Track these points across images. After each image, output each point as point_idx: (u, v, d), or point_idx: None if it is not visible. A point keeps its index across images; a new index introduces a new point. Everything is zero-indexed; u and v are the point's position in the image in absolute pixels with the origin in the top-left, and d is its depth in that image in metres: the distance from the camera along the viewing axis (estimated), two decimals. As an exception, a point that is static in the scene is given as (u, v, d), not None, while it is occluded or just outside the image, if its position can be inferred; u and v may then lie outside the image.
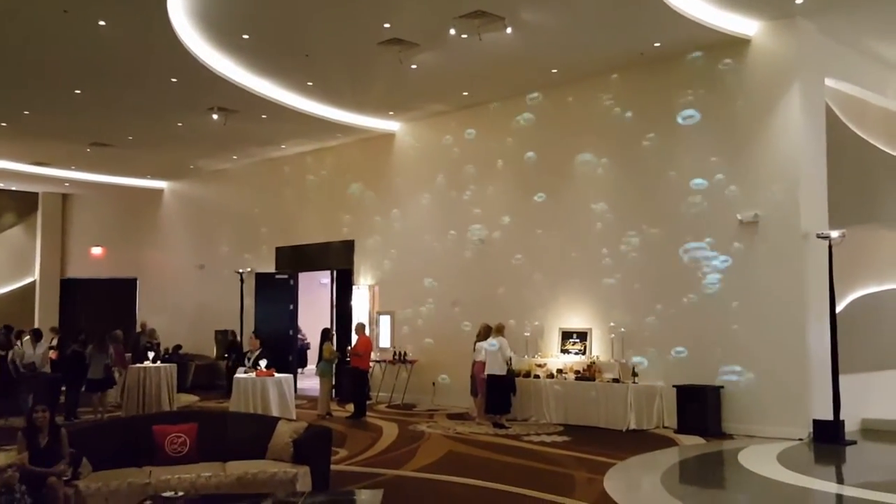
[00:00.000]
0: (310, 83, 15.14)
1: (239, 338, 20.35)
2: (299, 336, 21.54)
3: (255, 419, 9.28)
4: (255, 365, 12.91)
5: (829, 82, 13.31)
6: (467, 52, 13.16)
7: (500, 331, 13.90)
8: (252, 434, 8.13)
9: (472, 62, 13.85)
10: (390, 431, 13.12)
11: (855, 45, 13.57)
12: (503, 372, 13.59)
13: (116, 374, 15.79)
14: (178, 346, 20.67)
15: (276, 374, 12.76)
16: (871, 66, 14.20)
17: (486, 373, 13.70)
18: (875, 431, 12.70)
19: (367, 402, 15.59)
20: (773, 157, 12.68)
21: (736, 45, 12.92)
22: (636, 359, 13.60)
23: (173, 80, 14.56)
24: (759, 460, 10.49)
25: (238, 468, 7.55)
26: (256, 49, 13.38)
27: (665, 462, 10.72)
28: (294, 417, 11.80)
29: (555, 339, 15.00)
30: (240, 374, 12.88)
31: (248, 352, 13.90)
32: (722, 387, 12.78)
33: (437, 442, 12.15)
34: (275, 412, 11.88)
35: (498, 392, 13.55)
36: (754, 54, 12.93)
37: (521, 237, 15.76)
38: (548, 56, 13.70)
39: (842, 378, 11.94)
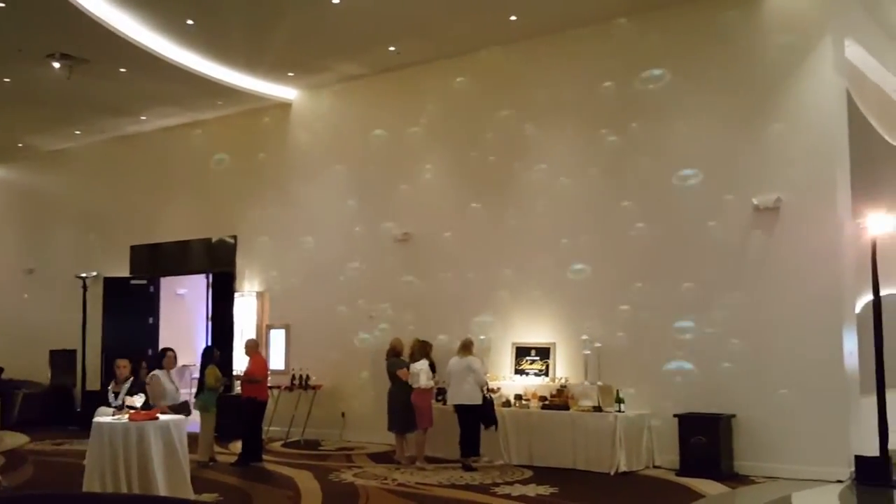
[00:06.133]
0: (190, 21, 11.47)
1: (81, 360, 16.17)
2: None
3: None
4: (125, 403, 8.23)
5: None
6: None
7: (468, 348, 10.82)
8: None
9: (413, 3, 10.78)
10: (308, 486, 9.61)
11: (867, 2, 11.40)
12: (478, 401, 10.59)
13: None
14: (0, 370, 16.28)
15: (162, 416, 8.06)
16: (879, 32, 12.09)
17: (452, 402, 10.72)
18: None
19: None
20: (801, 128, 10.22)
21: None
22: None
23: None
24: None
25: None
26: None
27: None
28: (189, 487, 7.92)
29: (507, 357, 11.97)
30: (101, 418, 8.04)
31: (111, 385, 9.27)
32: (734, 415, 10.15)
33: (382, 502, 8.80)
34: (160, 480, 7.53)
35: (470, 427, 10.59)
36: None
37: (456, 231, 12.72)
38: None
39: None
